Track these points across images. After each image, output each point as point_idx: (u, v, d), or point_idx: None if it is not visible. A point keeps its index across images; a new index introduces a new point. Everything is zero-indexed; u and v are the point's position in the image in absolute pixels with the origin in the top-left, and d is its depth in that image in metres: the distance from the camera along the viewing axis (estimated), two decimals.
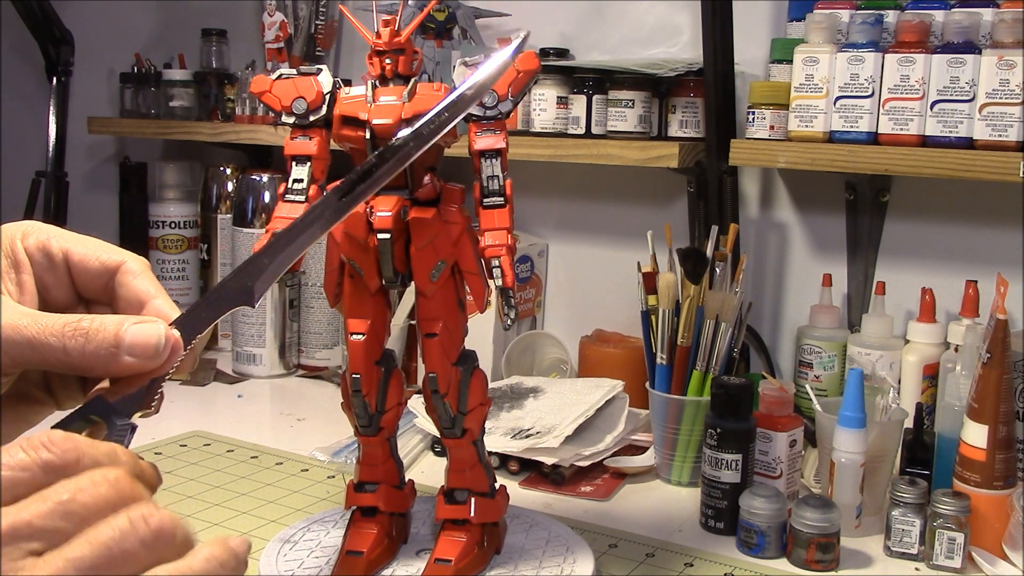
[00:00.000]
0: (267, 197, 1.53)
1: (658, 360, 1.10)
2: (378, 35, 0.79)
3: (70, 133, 1.89)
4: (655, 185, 1.40)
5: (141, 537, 0.37)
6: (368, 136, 0.77)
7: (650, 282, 1.11)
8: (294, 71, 0.81)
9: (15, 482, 0.37)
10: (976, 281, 1.11)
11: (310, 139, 0.79)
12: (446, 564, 0.81)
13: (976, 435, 0.91)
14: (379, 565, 0.84)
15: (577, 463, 1.10)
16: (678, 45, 1.38)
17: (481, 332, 1.34)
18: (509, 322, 0.77)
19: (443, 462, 0.86)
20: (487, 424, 0.96)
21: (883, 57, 1.10)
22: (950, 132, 1.07)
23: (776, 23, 1.30)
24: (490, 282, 0.79)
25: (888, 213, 1.26)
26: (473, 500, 0.84)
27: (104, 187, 1.99)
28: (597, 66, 1.30)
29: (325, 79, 0.80)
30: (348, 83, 0.83)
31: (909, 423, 1.04)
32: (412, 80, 0.79)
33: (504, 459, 1.11)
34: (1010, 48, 1.03)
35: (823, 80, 1.12)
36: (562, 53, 1.40)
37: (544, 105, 1.31)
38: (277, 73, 0.81)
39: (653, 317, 1.10)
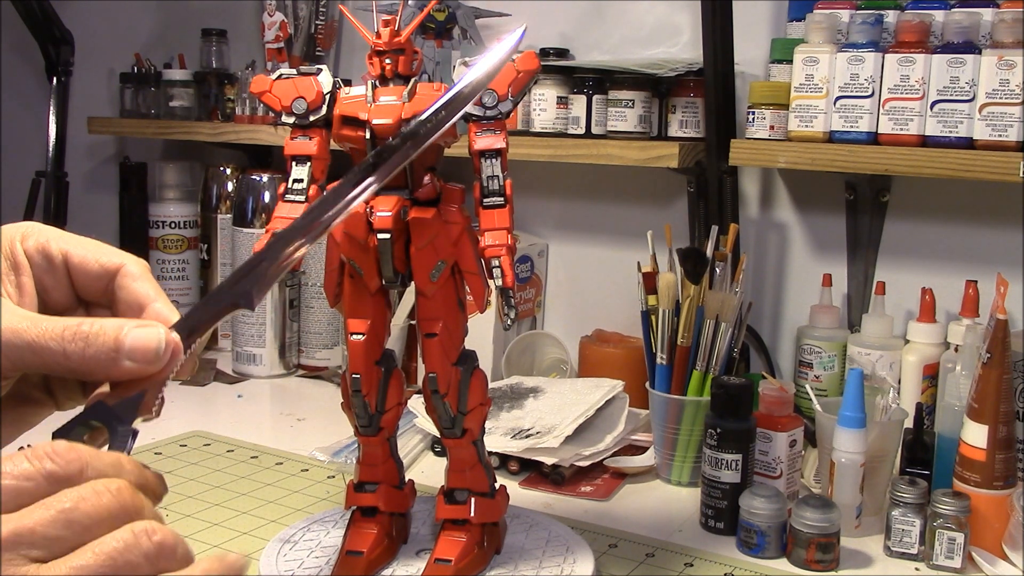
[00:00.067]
0: (267, 197, 1.53)
1: (658, 360, 1.10)
2: (378, 35, 0.79)
3: (70, 133, 1.89)
4: (655, 185, 1.40)
5: (144, 551, 0.38)
6: (368, 136, 0.77)
7: (650, 282, 1.11)
8: (294, 71, 0.81)
9: (19, 491, 0.37)
10: (976, 281, 1.11)
11: (310, 139, 0.79)
12: (446, 564, 0.81)
13: (976, 435, 0.91)
14: (379, 565, 0.84)
15: (577, 463, 1.09)
16: (678, 45, 1.38)
17: (481, 332, 1.34)
18: (509, 322, 0.77)
19: (443, 462, 0.86)
20: (487, 424, 0.96)
21: (883, 57, 1.10)
22: (950, 132, 1.07)
23: (776, 23, 1.30)
24: (490, 282, 0.79)
25: (888, 213, 1.26)
26: (473, 500, 0.84)
27: (104, 187, 1.99)
28: (597, 66, 1.30)
29: (325, 79, 0.80)
30: (348, 83, 0.83)
31: (909, 423, 1.04)
32: (412, 80, 0.79)
33: (504, 459, 1.11)
34: (1010, 48, 1.03)
35: (823, 80, 1.12)
36: (562, 53, 1.40)
37: (544, 105, 1.31)
38: (277, 73, 0.81)
39: (653, 317, 1.10)
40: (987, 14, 1.08)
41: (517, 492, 1.07)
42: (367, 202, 0.74)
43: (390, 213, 0.75)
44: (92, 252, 0.49)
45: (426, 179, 0.77)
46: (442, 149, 0.81)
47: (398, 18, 0.79)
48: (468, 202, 0.78)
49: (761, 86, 1.20)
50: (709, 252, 1.10)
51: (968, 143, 1.06)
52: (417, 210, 0.77)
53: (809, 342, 1.21)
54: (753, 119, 1.19)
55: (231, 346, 1.55)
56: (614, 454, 1.14)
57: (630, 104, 1.26)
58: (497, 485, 0.86)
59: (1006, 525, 0.90)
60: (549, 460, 1.08)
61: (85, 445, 0.40)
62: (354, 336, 0.80)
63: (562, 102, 1.31)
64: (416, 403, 1.15)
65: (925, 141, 1.08)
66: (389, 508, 0.85)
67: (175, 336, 0.45)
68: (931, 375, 1.13)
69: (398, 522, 0.87)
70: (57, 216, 1.85)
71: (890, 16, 1.13)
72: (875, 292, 1.20)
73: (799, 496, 0.96)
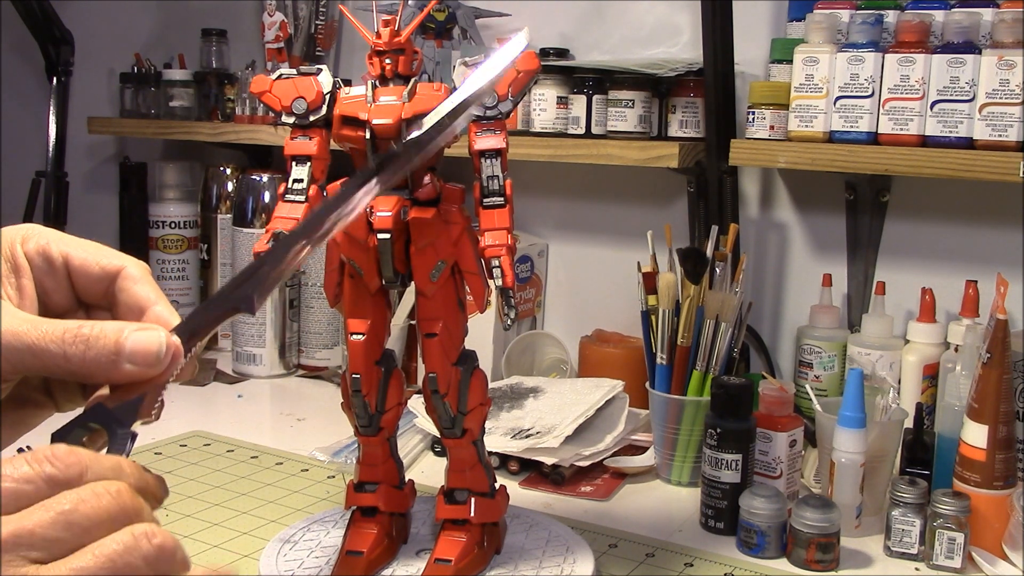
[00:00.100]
0: (267, 197, 1.53)
1: (658, 360, 1.10)
2: (378, 35, 0.79)
3: (70, 133, 1.89)
4: (655, 185, 1.40)
5: (144, 554, 0.38)
6: (368, 136, 0.77)
7: (650, 282, 1.11)
8: (294, 71, 0.81)
9: (19, 494, 0.37)
10: (976, 281, 1.11)
11: (310, 139, 0.79)
12: (446, 564, 0.81)
13: (976, 435, 0.91)
14: (379, 565, 0.84)
15: (577, 463, 1.09)
16: (678, 45, 1.38)
17: (481, 332, 1.34)
18: (509, 322, 0.77)
19: (443, 462, 0.86)
20: (487, 424, 0.96)
21: (883, 57, 1.10)
22: (950, 132, 1.07)
23: (776, 23, 1.30)
24: (490, 282, 0.79)
25: (888, 213, 1.26)
26: (473, 500, 0.84)
27: (104, 187, 1.99)
28: (597, 66, 1.30)
29: (325, 79, 0.80)
30: (348, 83, 0.83)
31: (909, 423, 1.04)
32: (412, 80, 0.79)
33: (504, 459, 1.11)
34: (1010, 48, 1.03)
35: (823, 80, 1.12)
36: (562, 53, 1.40)
37: (544, 105, 1.31)
38: (277, 73, 0.81)
39: (653, 317, 1.10)
40: (987, 14, 1.08)
41: (517, 492, 1.07)
42: None
43: (390, 213, 0.75)
44: (93, 254, 0.49)
45: (426, 179, 0.77)
46: (442, 149, 0.81)
47: (398, 18, 0.79)
48: (468, 202, 0.78)
49: (761, 86, 1.20)
50: (709, 252, 1.10)
51: (968, 143, 1.06)
52: (417, 210, 0.77)
53: (809, 342, 1.21)
54: (753, 119, 1.19)
55: (231, 346, 1.55)
56: (614, 454, 1.14)
57: (630, 104, 1.26)
58: (497, 485, 0.86)
59: (1006, 525, 0.90)
60: (549, 460, 1.08)
61: (85, 449, 0.40)
62: (354, 336, 0.80)
63: (562, 102, 1.31)
64: (416, 403, 1.15)
65: (925, 141, 1.08)
66: (389, 508, 0.85)
67: (176, 339, 0.45)
68: (931, 375, 1.13)
69: (398, 522, 0.87)
70: (57, 216, 1.85)
71: (890, 16, 1.13)
72: (875, 292, 1.20)
73: (799, 496, 0.96)
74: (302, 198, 0.78)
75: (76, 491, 0.38)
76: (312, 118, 0.79)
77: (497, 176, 0.77)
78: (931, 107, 1.07)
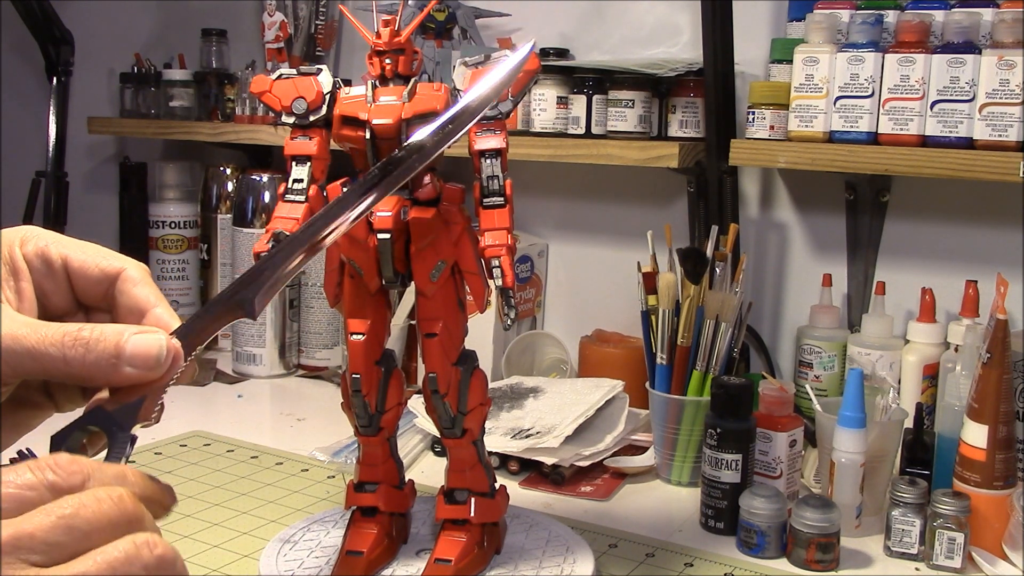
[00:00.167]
0: (267, 197, 1.53)
1: (658, 360, 1.10)
2: (378, 35, 0.79)
3: (70, 133, 1.89)
4: (655, 185, 1.40)
5: (145, 563, 0.38)
6: (368, 136, 0.77)
7: (650, 282, 1.11)
8: (294, 71, 0.81)
9: (21, 500, 0.37)
10: (976, 281, 1.11)
11: (310, 139, 0.79)
12: (446, 564, 0.81)
13: (976, 435, 0.91)
14: (379, 565, 0.84)
15: (577, 463, 1.09)
16: (678, 45, 1.38)
17: (481, 332, 1.34)
18: (509, 322, 0.77)
19: (443, 462, 0.86)
20: (487, 424, 0.96)
21: (883, 57, 1.10)
22: (950, 132, 1.07)
23: (776, 23, 1.30)
24: (490, 282, 0.79)
25: (888, 213, 1.26)
26: (473, 500, 0.84)
27: (104, 187, 1.99)
28: (597, 66, 1.30)
29: (325, 79, 0.80)
30: (348, 83, 0.83)
31: (909, 423, 1.04)
32: (412, 80, 0.79)
33: (504, 459, 1.11)
34: (1010, 48, 1.03)
35: (823, 80, 1.12)
36: (562, 53, 1.40)
37: (544, 105, 1.31)
38: (277, 73, 0.81)
39: (653, 317, 1.10)
40: (987, 14, 1.08)
41: (517, 492, 1.07)
42: None
43: (390, 213, 0.75)
44: (92, 256, 0.48)
45: (426, 179, 0.77)
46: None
47: (398, 18, 0.79)
48: (468, 202, 0.78)
49: (761, 86, 1.20)
50: (709, 252, 1.10)
51: (968, 143, 1.06)
52: (417, 210, 0.77)
53: (809, 342, 1.21)
54: (753, 119, 1.19)
55: (231, 346, 1.55)
56: (614, 454, 1.14)
57: (630, 104, 1.26)
58: (497, 485, 0.86)
59: (1006, 525, 0.90)
60: (549, 460, 1.08)
61: (88, 457, 0.40)
62: (354, 336, 0.80)
63: (562, 102, 1.31)
64: (416, 403, 1.15)
65: (925, 141, 1.08)
66: (389, 508, 0.85)
67: (176, 342, 0.45)
68: (931, 375, 1.13)
69: (398, 522, 0.87)
70: (57, 216, 1.85)
71: (890, 16, 1.13)
72: (875, 292, 1.20)
73: (799, 496, 0.96)
74: (302, 198, 0.77)
75: (78, 496, 0.38)
76: (312, 118, 0.79)
77: (497, 176, 0.77)
78: (931, 107, 1.07)
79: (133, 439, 0.44)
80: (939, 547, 0.90)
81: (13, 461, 0.41)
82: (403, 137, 0.76)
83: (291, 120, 0.80)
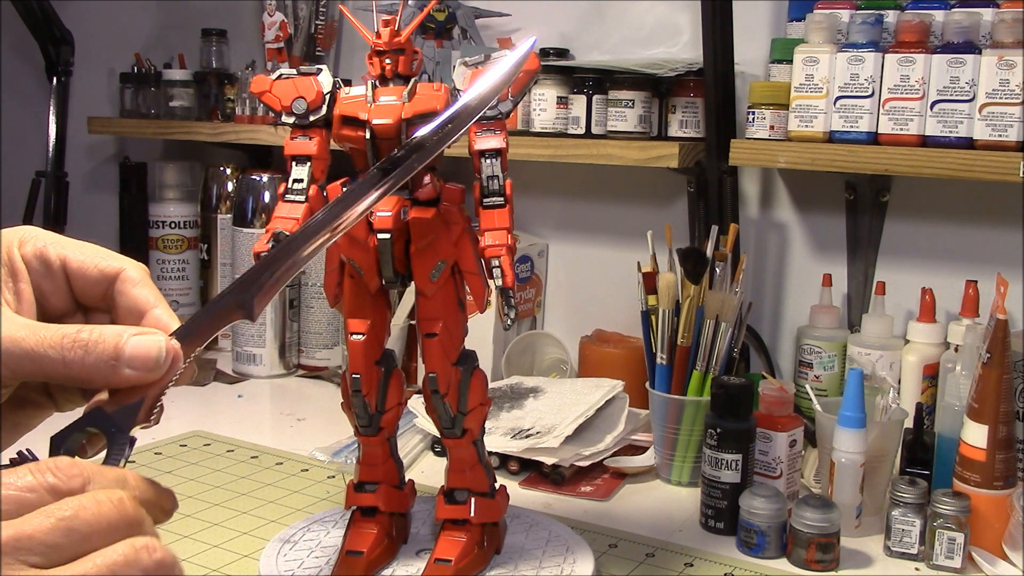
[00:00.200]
0: (267, 197, 1.53)
1: (658, 360, 1.10)
2: (378, 35, 0.79)
3: (70, 133, 1.89)
4: (655, 185, 1.40)
5: (144, 566, 0.38)
6: (368, 136, 0.77)
7: (650, 282, 1.11)
8: (294, 71, 0.81)
9: (21, 502, 0.37)
10: (976, 281, 1.11)
11: (310, 139, 0.79)
12: (446, 564, 0.81)
13: (976, 435, 0.91)
14: (379, 565, 0.84)
15: (577, 463, 1.09)
16: (678, 45, 1.38)
17: (481, 332, 1.34)
18: (509, 322, 0.77)
19: (443, 462, 0.86)
20: (487, 424, 0.96)
21: (883, 57, 1.10)
22: (950, 132, 1.07)
23: (776, 23, 1.30)
24: (490, 282, 0.79)
25: (888, 213, 1.26)
26: (473, 500, 0.84)
27: (104, 187, 1.99)
28: (597, 66, 1.30)
29: (325, 79, 0.80)
30: (348, 83, 0.83)
31: (909, 423, 1.04)
32: (412, 80, 0.79)
33: (504, 459, 1.11)
34: (1010, 48, 1.03)
35: (823, 80, 1.12)
36: (562, 53, 1.40)
37: (544, 105, 1.31)
38: (277, 73, 0.81)
39: (653, 317, 1.10)
40: (987, 14, 1.08)
41: (517, 492, 1.07)
42: None
43: (390, 213, 0.75)
44: (91, 257, 0.48)
45: (426, 179, 0.77)
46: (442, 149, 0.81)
47: (398, 18, 0.79)
48: (468, 202, 0.78)
49: (761, 86, 1.20)
50: (709, 252, 1.10)
51: (968, 143, 1.06)
52: (417, 210, 0.77)
53: (809, 342, 1.21)
54: (753, 119, 1.19)
55: (231, 346, 1.55)
56: (614, 454, 1.14)
57: (630, 104, 1.26)
58: (497, 485, 0.86)
59: (1006, 525, 0.90)
60: (549, 460, 1.08)
61: (88, 461, 0.40)
62: (354, 336, 0.80)
63: (562, 102, 1.31)
64: (416, 403, 1.15)
65: (925, 141, 1.08)
66: (389, 508, 0.85)
67: (175, 344, 0.45)
68: (931, 375, 1.13)
69: (398, 522, 0.87)
70: (57, 216, 1.85)
71: (890, 16, 1.13)
72: (875, 292, 1.20)
73: (799, 496, 0.96)
74: (302, 198, 0.77)
75: (78, 498, 0.38)
76: (312, 118, 0.79)
77: (497, 176, 0.77)
78: (931, 107, 1.07)
79: (132, 441, 0.44)
80: (939, 547, 0.90)
81: (13, 461, 0.41)
82: (403, 137, 0.76)
83: (291, 120, 0.80)
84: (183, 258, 1.70)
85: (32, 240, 0.48)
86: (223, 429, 1.25)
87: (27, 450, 0.42)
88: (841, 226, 1.29)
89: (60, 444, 0.43)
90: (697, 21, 1.22)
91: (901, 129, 1.09)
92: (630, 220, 1.43)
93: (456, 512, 0.83)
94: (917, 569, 0.92)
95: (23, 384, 0.47)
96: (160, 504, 0.41)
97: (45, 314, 0.48)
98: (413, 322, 1.17)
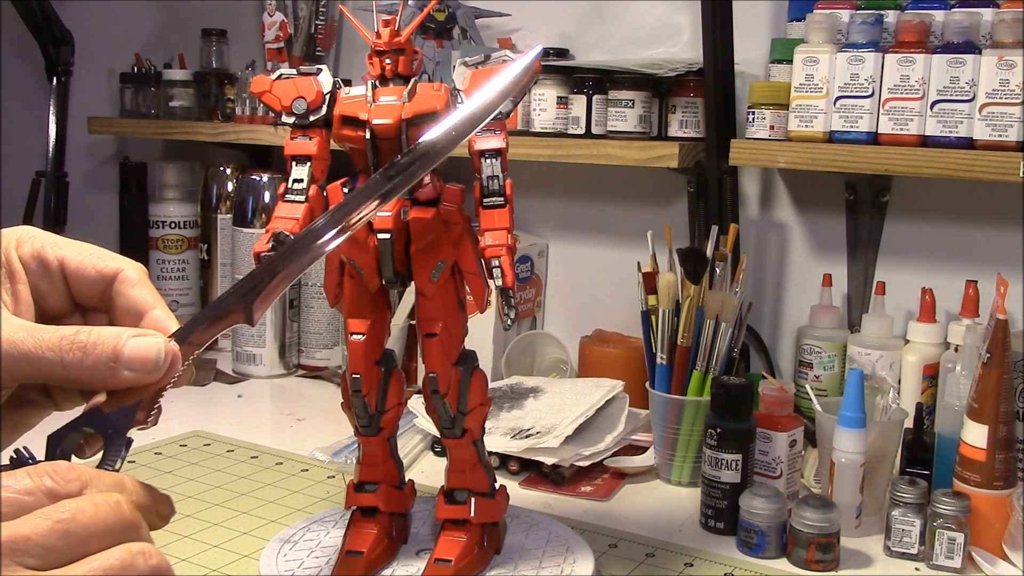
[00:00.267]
0: (267, 197, 1.53)
1: (658, 360, 1.10)
2: (378, 35, 0.79)
3: (70, 133, 1.89)
4: (655, 185, 1.40)
5: (140, 572, 0.38)
6: (368, 136, 0.77)
7: (650, 282, 1.11)
8: (294, 71, 0.81)
9: (19, 505, 0.37)
10: (976, 281, 1.11)
11: (310, 139, 0.79)
12: (446, 564, 0.81)
13: (976, 435, 0.91)
14: (379, 565, 0.84)
15: (577, 463, 1.09)
16: (678, 45, 1.38)
17: (481, 332, 1.34)
18: (509, 322, 0.77)
19: (443, 462, 0.86)
20: (487, 424, 0.96)
21: (883, 57, 1.10)
22: (950, 132, 1.07)
23: (776, 23, 1.30)
24: (490, 282, 0.79)
25: (888, 213, 1.26)
26: (473, 500, 0.84)
27: (104, 187, 1.99)
28: (597, 66, 1.30)
29: (325, 79, 0.80)
30: (348, 83, 0.83)
31: (909, 423, 1.04)
32: (412, 80, 0.79)
33: (504, 459, 1.11)
34: (1010, 48, 1.03)
35: (823, 80, 1.12)
36: (562, 53, 1.40)
37: (544, 105, 1.31)
38: (277, 73, 0.81)
39: (653, 317, 1.10)
40: (987, 14, 1.08)
41: (517, 492, 1.07)
42: None
43: (390, 213, 0.75)
44: (89, 257, 0.48)
45: (426, 179, 0.77)
46: None
47: (398, 18, 0.79)
48: (468, 202, 0.78)
49: (761, 86, 1.20)
50: (709, 252, 1.10)
51: (968, 143, 1.06)
52: (417, 210, 0.77)
53: (809, 342, 1.21)
54: (753, 119, 1.19)
55: (231, 346, 1.55)
56: (614, 454, 1.14)
57: (630, 104, 1.26)
58: (497, 485, 0.86)
59: (1006, 525, 0.90)
60: (549, 460, 1.08)
61: (86, 464, 0.40)
62: (354, 336, 0.80)
63: (562, 102, 1.31)
64: (416, 403, 1.15)
65: (925, 141, 1.08)
66: (389, 508, 0.85)
67: (174, 345, 0.44)
68: (931, 375, 1.13)
69: (398, 522, 0.87)
70: (57, 216, 1.85)
71: (890, 16, 1.13)
72: (875, 292, 1.20)
73: (799, 496, 0.96)
74: (302, 198, 0.77)
75: (75, 501, 0.38)
76: (312, 118, 0.79)
77: (497, 176, 0.77)
78: (931, 107, 1.07)
79: (129, 442, 0.44)
80: (939, 547, 0.90)
81: (11, 460, 0.41)
82: (403, 137, 0.76)
83: (291, 120, 0.80)
84: (183, 258, 1.70)
85: (30, 240, 0.48)
86: (223, 429, 1.25)
87: (24, 448, 0.42)
88: (841, 226, 1.29)
89: (57, 443, 0.43)
90: (697, 21, 1.22)
91: (901, 129, 1.09)
92: (630, 220, 1.43)
93: (456, 512, 0.83)
94: (917, 569, 0.92)
95: (22, 384, 0.47)
96: (157, 509, 0.41)
97: (43, 315, 0.48)
98: (413, 322, 1.17)
